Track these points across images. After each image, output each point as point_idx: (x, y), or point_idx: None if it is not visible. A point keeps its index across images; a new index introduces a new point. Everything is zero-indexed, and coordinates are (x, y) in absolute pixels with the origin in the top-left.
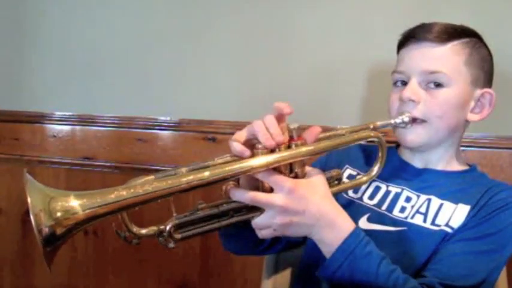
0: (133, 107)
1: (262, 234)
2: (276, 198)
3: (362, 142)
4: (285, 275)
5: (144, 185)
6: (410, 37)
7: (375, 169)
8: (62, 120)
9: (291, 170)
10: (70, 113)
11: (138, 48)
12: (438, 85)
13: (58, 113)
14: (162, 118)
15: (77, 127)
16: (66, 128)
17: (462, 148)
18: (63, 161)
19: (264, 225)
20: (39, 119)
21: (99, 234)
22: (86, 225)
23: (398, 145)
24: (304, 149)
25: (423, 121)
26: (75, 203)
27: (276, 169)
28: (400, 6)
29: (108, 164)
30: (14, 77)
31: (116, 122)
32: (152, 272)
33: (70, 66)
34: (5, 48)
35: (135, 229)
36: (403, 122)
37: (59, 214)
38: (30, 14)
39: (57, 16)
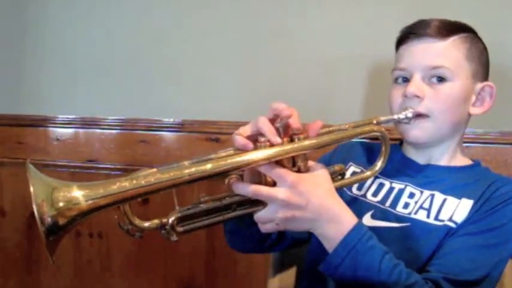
0: (136, 109)
1: (265, 228)
2: (279, 192)
3: (366, 140)
4: (291, 273)
5: (147, 177)
6: (409, 33)
7: (379, 164)
8: (65, 124)
9: (293, 164)
10: (73, 116)
11: (140, 50)
12: (441, 80)
13: (61, 116)
14: (165, 119)
15: (80, 130)
16: (70, 131)
17: (466, 144)
18: (67, 164)
19: (267, 219)
20: (42, 122)
21: (104, 236)
22: (89, 216)
23: (401, 142)
24: (307, 142)
25: (427, 116)
26: (78, 194)
27: (279, 163)
28: (401, 3)
29: (112, 166)
30: (17, 81)
31: (119, 124)
32: (158, 273)
33: (72, 69)
34: (7, 52)
35: (137, 222)
36: (407, 118)
37: (61, 204)
38: (31, 17)
39: (58, 19)
